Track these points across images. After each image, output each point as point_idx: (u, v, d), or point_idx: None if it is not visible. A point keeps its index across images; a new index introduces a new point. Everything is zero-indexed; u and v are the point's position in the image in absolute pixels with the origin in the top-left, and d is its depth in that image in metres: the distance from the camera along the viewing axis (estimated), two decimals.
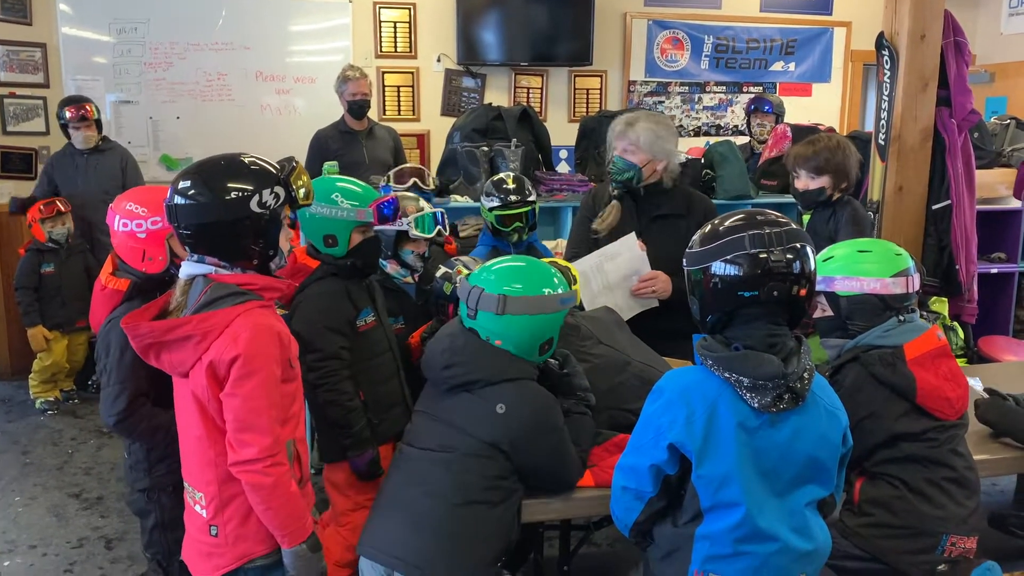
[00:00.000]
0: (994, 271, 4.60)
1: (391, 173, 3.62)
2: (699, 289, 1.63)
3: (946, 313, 3.93)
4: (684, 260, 1.69)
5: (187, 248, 1.78)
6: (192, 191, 1.72)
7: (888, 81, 3.38)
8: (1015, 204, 4.58)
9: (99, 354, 2.09)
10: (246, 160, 1.79)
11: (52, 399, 4.61)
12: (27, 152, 5.16)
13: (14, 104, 5.11)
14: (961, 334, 4.12)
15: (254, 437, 1.69)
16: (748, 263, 1.54)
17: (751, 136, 5.27)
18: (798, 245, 1.57)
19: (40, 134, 5.22)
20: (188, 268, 1.79)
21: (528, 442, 1.91)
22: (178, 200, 1.73)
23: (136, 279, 2.12)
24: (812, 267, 1.60)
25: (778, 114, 5.19)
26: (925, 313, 4.05)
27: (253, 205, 1.73)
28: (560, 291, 1.99)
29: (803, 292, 1.59)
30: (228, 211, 1.72)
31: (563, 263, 2.52)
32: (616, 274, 2.74)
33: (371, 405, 2.37)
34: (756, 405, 1.56)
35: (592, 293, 2.73)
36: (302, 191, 1.83)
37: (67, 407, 4.65)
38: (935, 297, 3.74)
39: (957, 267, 3.45)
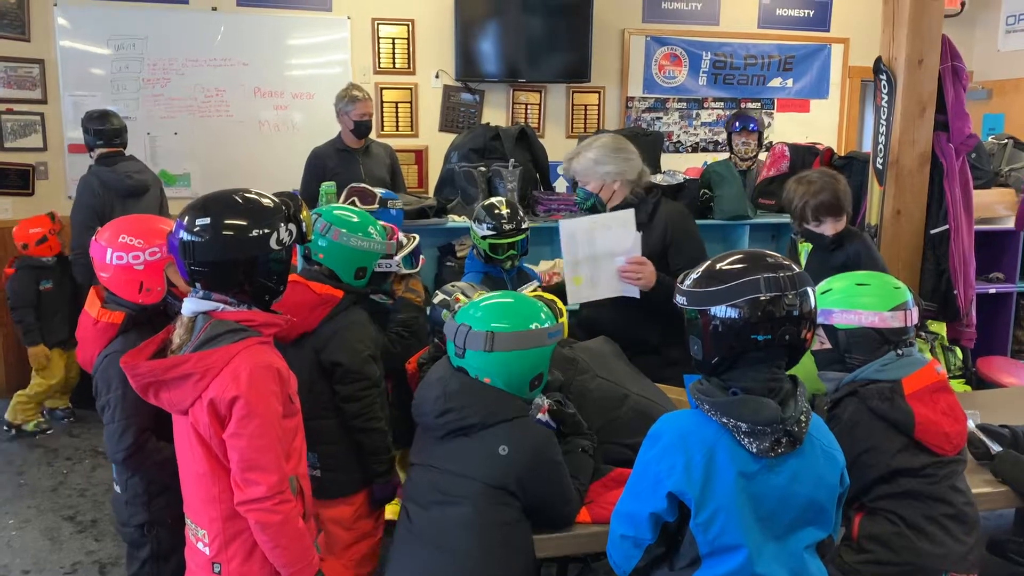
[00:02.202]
0: (992, 291, 4.59)
1: (355, 199, 3.56)
2: (700, 330, 1.60)
3: (944, 334, 3.93)
4: (680, 297, 1.66)
5: (196, 285, 1.76)
6: (210, 228, 1.71)
7: (886, 105, 3.39)
8: (1013, 224, 4.57)
9: (99, 390, 2.07)
10: (261, 197, 1.79)
11: (41, 420, 4.57)
12: (24, 168, 5.15)
13: (12, 120, 5.10)
14: (960, 355, 4.11)
15: (261, 475, 1.68)
16: (764, 307, 1.53)
17: (732, 153, 5.19)
18: (807, 289, 1.57)
19: (37, 150, 5.21)
20: (192, 305, 1.78)
21: (533, 480, 1.90)
22: (193, 237, 1.71)
23: (131, 311, 2.10)
24: (815, 308, 1.60)
25: (760, 131, 5.16)
26: (923, 334, 4.04)
27: (272, 242, 1.75)
28: (548, 325, 1.99)
29: (809, 335, 1.58)
30: (248, 249, 1.72)
31: (548, 297, 2.51)
32: (604, 246, 2.68)
33: None
34: (754, 450, 1.54)
35: (576, 259, 2.69)
36: (303, 225, 1.85)
37: (62, 427, 4.62)
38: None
39: (955, 292, 3.45)
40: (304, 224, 1.85)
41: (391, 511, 3.16)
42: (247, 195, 1.79)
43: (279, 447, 1.73)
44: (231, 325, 1.74)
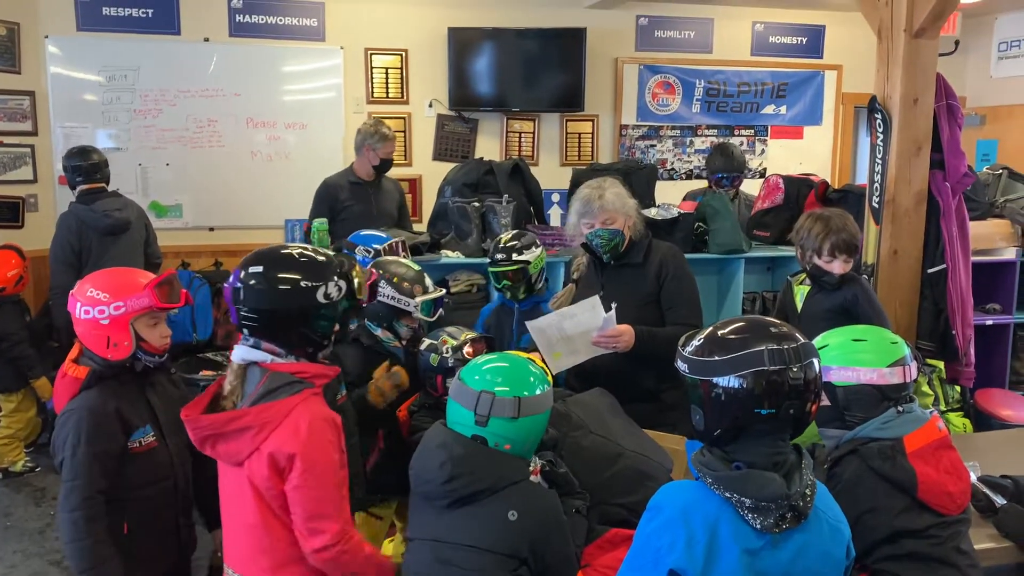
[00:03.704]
0: (989, 323, 4.57)
1: (383, 248, 3.51)
2: (702, 399, 1.56)
3: (943, 368, 3.90)
4: (681, 364, 1.62)
5: (245, 332, 1.85)
6: (261, 278, 1.81)
7: (881, 144, 3.38)
8: (1009, 255, 4.55)
9: (55, 445, 2.05)
10: (317, 254, 1.90)
11: (27, 459, 4.48)
12: (14, 201, 5.11)
13: (2, 152, 5.07)
14: (957, 388, 4.09)
15: (326, 524, 1.77)
16: (768, 378, 1.49)
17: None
18: (813, 360, 1.53)
19: (28, 182, 5.17)
20: (242, 353, 1.86)
21: (544, 542, 1.84)
22: (244, 285, 1.81)
23: (96, 366, 2.08)
24: (820, 377, 1.57)
25: (743, 175, 4.99)
26: (922, 367, 4.02)
27: (319, 296, 1.83)
28: (549, 383, 1.97)
29: (814, 408, 1.55)
30: (294, 300, 1.81)
31: (522, 354, 2.49)
32: (576, 329, 2.73)
33: None
34: (758, 526, 1.50)
35: (550, 345, 2.74)
36: (356, 282, 1.94)
37: (47, 463, 4.54)
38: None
39: (953, 332, 3.42)
40: (359, 281, 1.93)
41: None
42: (303, 251, 1.90)
43: (339, 495, 1.81)
44: (288, 378, 1.81)
